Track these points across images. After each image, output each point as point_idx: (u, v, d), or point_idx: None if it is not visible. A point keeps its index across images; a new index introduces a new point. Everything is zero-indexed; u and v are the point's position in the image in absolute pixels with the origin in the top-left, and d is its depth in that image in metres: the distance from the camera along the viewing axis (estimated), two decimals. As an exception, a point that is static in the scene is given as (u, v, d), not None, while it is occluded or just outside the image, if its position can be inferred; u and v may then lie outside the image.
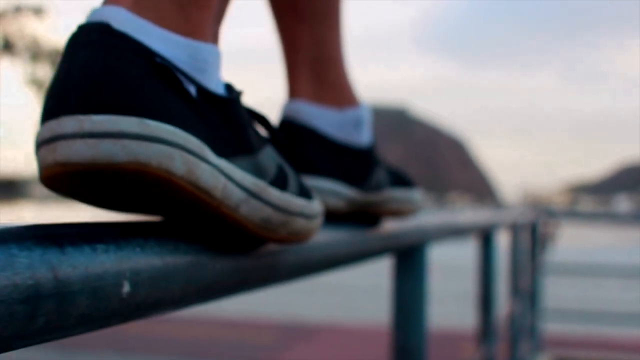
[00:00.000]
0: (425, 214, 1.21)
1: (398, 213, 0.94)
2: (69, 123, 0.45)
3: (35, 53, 11.19)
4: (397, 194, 0.93)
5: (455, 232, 1.42)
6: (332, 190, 0.83)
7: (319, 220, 0.63)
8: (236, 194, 0.53)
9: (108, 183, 0.47)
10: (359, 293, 11.62)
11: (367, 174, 0.88)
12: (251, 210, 0.54)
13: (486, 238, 2.22)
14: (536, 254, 4.54)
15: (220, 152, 0.53)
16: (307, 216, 0.60)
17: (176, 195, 0.48)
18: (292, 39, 0.89)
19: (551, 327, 5.82)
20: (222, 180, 0.51)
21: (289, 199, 0.58)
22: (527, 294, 3.85)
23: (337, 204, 0.83)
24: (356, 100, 0.90)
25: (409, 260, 1.13)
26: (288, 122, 0.85)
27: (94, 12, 0.50)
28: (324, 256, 0.68)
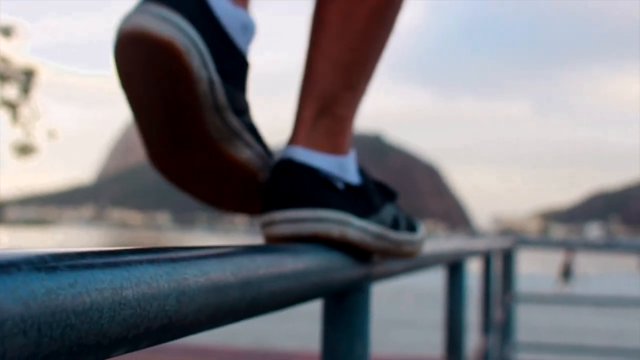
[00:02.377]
0: None
1: (408, 255, 1.01)
2: (279, 215, 0.86)
3: (4, 74, 11.04)
4: (403, 236, 0.99)
5: (411, 267, 1.23)
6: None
7: (420, 245, 1.02)
8: (369, 240, 0.91)
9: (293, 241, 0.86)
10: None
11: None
12: (378, 245, 0.93)
13: (455, 268, 2.11)
14: (510, 283, 4.44)
15: (360, 215, 0.90)
16: (411, 243, 0.99)
17: (338, 243, 0.88)
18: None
19: (524, 358, 5.73)
20: (362, 234, 0.90)
21: (400, 235, 0.97)
22: (500, 324, 3.75)
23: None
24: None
25: (346, 304, 0.93)
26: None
27: (285, 149, 0.91)
28: (242, 298, 0.55)
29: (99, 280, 0.34)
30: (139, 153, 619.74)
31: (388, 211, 0.96)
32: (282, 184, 0.87)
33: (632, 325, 13.15)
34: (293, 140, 0.92)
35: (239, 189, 0.92)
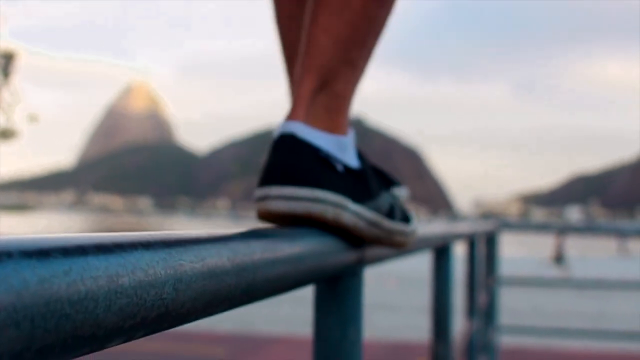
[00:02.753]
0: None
1: (400, 245, 1.02)
2: (274, 190, 0.86)
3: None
4: (397, 227, 1.01)
5: (400, 252, 1.20)
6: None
7: (411, 236, 1.02)
8: (362, 225, 0.91)
9: (293, 221, 0.87)
10: (309, 304, 11.50)
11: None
12: (370, 232, 0.92)
13: (442, 252, 2.10)
14: (493, 266, 4.46)
15: (356, 200, 0.90)
16: (404, 234, 0.99)
17: (329, 226, 0.87)
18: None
19: (506, 340, 5.77)
20: (355, 219, 0.90)
21: (394, 225, 0.97)
22: (484, 307, 3.76)
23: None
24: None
25: (339, 289, 0.90)
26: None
27: (284, 124, 0.90)
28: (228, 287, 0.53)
29: (94, 268, 0.32)
30: (119, 138, 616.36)
31: (385, 199, 0.97)
32: (281, 160, 0.87)
33: (613, 307, 13.27)
34: (292, 115, 0.91)
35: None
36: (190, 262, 0.42)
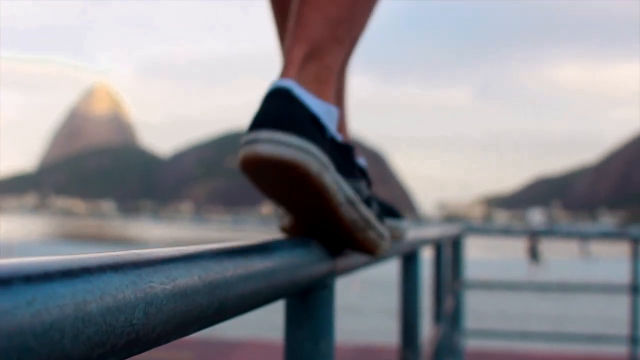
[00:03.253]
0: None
1: (369, 248, 1.00)
2: (265, 134, 0.84)
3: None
4: (389, 222, 1.19)
5: (372, 260, 1.18)
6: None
7: (387, 243, 1.00)
8: (341, 196, 0.88)
9: (274, 171, 0.84)
10: (278, 308, 11.46)
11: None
12: (347, 211, 0.89)
13: (410, 258, 2.10)
14: (459, 270, 4.47)
15: (338, 170, 0.90)
16: (379, 234, 0.98)
17: (309, 186, 0.85)
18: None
19: (471, 344, 5.80)
20: (336, 185, 0.87)
21: (370, 216, 0.95)
22: (450, 311, 3.77)
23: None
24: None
25: (310, 301, 0.87)
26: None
27: (279, 81, 0.91)
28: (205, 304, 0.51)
29: (60, 296, 0.30)
30: (81, 140, 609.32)
31: (364, 187, 0.98)
32: (275, 108, 0.86)
33: (575, 310, 13.42)
34: (284, 75, 0.93)
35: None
36: (160, 283, 0.40)
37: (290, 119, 0.85)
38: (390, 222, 1.19)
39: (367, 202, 0.98)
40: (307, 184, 0.85)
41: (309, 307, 0.87)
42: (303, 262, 0.76)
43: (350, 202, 0.90)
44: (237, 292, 0.52)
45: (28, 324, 0.28)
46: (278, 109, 0.86)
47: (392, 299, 14.11)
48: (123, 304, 0.35)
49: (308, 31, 0.95)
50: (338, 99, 1.16)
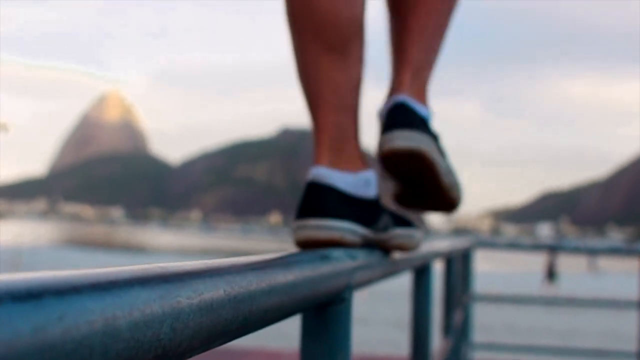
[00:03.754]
0: (349, 253, 0.97)
1: (402, 247, 1.32)
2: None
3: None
4: (399, 232, 1.30)
5: (387, 273, 1.20)
6: (350, 229, 1.14)
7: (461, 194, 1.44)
8: (444, 170, 1.33)
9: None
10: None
11: (376, 218, 1.23)
12: (447, 179, 1.32)
13: (421, 271, 2.09)
14: (468, 283, 4.45)
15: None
16: (458, 188, 1.43)
17: (427, 166, 1.26)
18: (319, 124, 1.22)
19: (479, 357, 5.77)
20: (442, 163, 1.34)
21: (452, 176, 1.41)
22: (459, 325, 3.75)
23: (354, 239, 1.15)
24: (366, 165, 1.24)
25: (327, 315, 0.87)
26: (315, 183, 1.17)
27: (397, 97, 1.30)
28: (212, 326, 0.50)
29: (89, 310, 0.29)
30: (92, 147, 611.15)
31: (447, 159, 1.37)
32: (399, 115, 1.29)
33: (583, 324, 13.35)
34: (399, 89, 1.35)
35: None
36: (187, 297, 0.39)
37: (410, 121, 1.26)
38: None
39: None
40: (426, 164, 1.25)
41: (325, 320, 0.86)
42: (323, 276, 0.75)
43: (449, 172, 1.34)
44: (260, 306, 0.52)
45: (59, 340, 0.27)
46: (401, 116, 1.27)
47: (398, 310, 14.07)
48: (151, 318, 0.35)
49: (410, 60, 1.37)
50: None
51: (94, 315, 0.30)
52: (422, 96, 1.36)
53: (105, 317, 0.31)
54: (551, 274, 24.06)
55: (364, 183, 1.21)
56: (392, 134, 1.24)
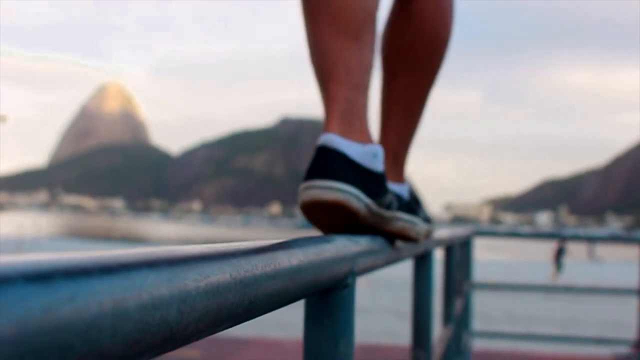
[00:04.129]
0: (352, 239, 0.98)
1: (403, 233, 1.35)
2: (317, 182, 1.16)
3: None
4: (403, 215, 1.35)
5: (389, 260, 1.21)
6: (355, 195, 1.18)
7: (420, 229, 1.41)
8: (363, 210, 1.20)
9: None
10: (288, 306, 11.45)
11: (382, 192, 1.27)
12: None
13: (422, 259, 2.09)
14: (468, 272, 4.46)
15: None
16: (409, 222, 1.36)
17: (344, 213, 1.18)
18: (331, 95, 1.27)
19: (478, 344, 5.79)
20: (362, 206, 1.19)
21: (398, 214, 1.33)
22: (460, 313, 3.75)
23: (359, 206, 1.19)
24: (372, 140, 1.29)
25: (331, 301, 0.87)
26: (325, 147, 1.21)
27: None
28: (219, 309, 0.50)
29: (99, 292, 0.30)
30: (92, 138, 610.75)
31: (394, 199, 1.33)
32: (330, 167, 1.21)
33: (582, 312, 13.38)
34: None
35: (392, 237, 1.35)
36: (194, 280, 0.39)
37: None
38: (408, 217, 1.37)
39: (406, 206, 1.38)
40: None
41: (329, 306, 0.86)
42: (326, 261, 0.75)
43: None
44: (265, 290, 0.52)
45: (70, 320, 0.27)
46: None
47: (398, 299, 14.09)
48: (158, 301, 0.35)
49: (390, 149, 1.57)
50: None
51: (103, 297, 0.30)
52: (400, 176, 1.57)
53: (115, 298, 0.31)
54: (559, 264, 24.02)
55: (372, 155, 1.25)
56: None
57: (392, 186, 1.42)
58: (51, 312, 0.26)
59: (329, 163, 1.18)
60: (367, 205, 1.20)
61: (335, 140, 1.21)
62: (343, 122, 1.24)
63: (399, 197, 1.36)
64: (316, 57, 1.33)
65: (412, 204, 1.45)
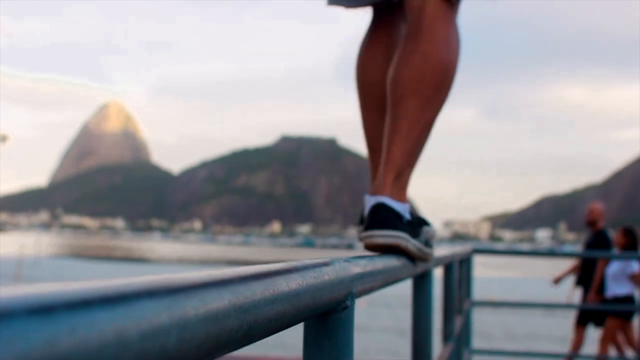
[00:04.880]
0: (351, 262, 0.97)
1: (426, 260, 1.81)
2: (379, 232, 1.64)
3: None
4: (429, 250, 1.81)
5: (388, 281, 1.21)
6: (407, 238, 1.64)
7: (430, 254, 1.82)
8: (415, 250, 1.69)
9: (386, 249, 1.65)
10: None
11: (418, 233, 1.72)
12: (417, 254, 1.71)
13: (422, 278, 2.09)
14: (468, 289, 4.45)
15: (412, 236, 1.68)
16: (428, 254, 1.79)
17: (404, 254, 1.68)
18: (388, 168, 1.73)
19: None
20: (414, 247, 1.68)
21: (427, 250, 1.77)
22: (459, 331, 3.74)
23: (409, 246, 1.65)
24: (407, 200, 1.74)
25: (330, 323, 0.88)
26: (381, 204, 1.67)
27: (378, 197, 1.69)
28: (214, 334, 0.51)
29: (99, 323, 0.30)
30: (92, 158, 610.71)
31: (423, 236, 1.76)
32: (379, 216, 1.65)
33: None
34: (381, 191, 1.71)
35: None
36: (193, 308, 0.40)
37: (387, 221, 1.64)
38: (428, 249, 1.81)
39: (427, 241, 1.78)
40: (400, 251, 1.64)
41: (328, 328, 0.87)
42: (325, 284, 0.75)
43: (420, 250, 1.71)
44: (264, 315, 0.52)
45: (71, 352, 0.28)
46: (381, 216, 1.65)
47: (396, 317, 14.03)
48: (158, 329, 0.35)
49: (394, 163, 1.74)
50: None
51: (103, 327, 0.31)
52: (402, 194, 1.75)
53: (115, 329, 0.31)
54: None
55: (407, 211, 1.72)
56: (372, 232, 1.64)
57: (393, 204, 1.68)
58: (53, 346, 0.27)
59: (387, 218, 1.64)
60: (414, 244, 1.67)
61: (390, 202, 1.67)
62: (393, 188, 1.71)
63: (400, 216, 1.67)
64: (367, 130, 2.02)
65: (415, 224, 1.73)
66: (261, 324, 0.52)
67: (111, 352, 0.31)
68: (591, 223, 7.81)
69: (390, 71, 1.81)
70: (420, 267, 1.90)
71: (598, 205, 7.99)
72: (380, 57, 2.00)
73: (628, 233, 7.42)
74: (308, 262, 0.78)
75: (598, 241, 7.67)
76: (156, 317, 0.35)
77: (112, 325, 0.31)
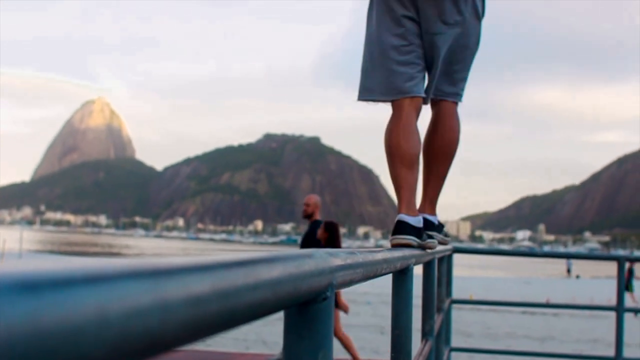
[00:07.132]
0: (331, 254, 0.99)
1: (428, 247, 2.91)
2: (400, 236, 2.81)
3: None
4: (431, 234, 2.99)
5: (368, 275, 1.22)
6: (414, 240, 2.76)
7: (433, 245, 3.04)
8: (416, 245, 2.87)
9: (403, 245, 2.78)
10: (259, 323, 11.42)
11: (422, 236, 2.85)
12: (418, 245, 2.87)
13: (402, 274, 2.10)
14: (449, 288, 4.47)
15: (418, 238, 2.85)
16: (430, 245, 2.99)
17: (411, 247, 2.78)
18: (402, 195, 2.88)
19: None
20: (417, 244, 2.86)
21: (428, 241, 3.00)
22: (439, 329, 3.77)
23: (415, 244, 2.75)
24: (418, 214, 2.89)
25: (310, 313, 0.89)
26: (401, 220, 2.77)
27: (401, 215, 2.87)
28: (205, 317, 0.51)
29: (83, 300, 0.31)
30: (76, 154, 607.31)
31: (425, 236, 2.86)
32: (398, 226, 2.76)
33: (560, 328, 13.43)
34: (422, 211, 3.03)
35: None
36: (175, 290, 0.41)
37: (402, 229, 2.78)
38: (430, 241, 2.97)
39: (436, 228, 3.05)
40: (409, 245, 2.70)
41: (308, 318, 0.88)
42: (306, 274, 0.76)
43: (418, 244, 2.76)
44: (245, 301, 0.53)
45: (53, 328, 0.29)
46: (399, 226, 2.77)
47: (375, 314, 14.08)
48: (141, 310, 0.36)
49: (431, 197, 3.15)
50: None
51: (87, 306, 0.31)
52: (433, 210, 3.13)
53: (98, 308, 0.32)
54: (630, 284, 23.33)
55: (418, 221, 2.80)
56: (394, 236, 2.75)
57: (429, 217, 3.04)
58: (35, 322, 0.28)
59: (404, 228, 2.73)
60: (418, 242, 2.74)
61: (405, 217, 2.76)
62: (407, 208, 2.81)
63: (432, 222, 3.00)
64: (394, 178, 2.89)
65: (439, 226, 3.10)
66: (242, 310, 0.53)
67: (94, 330, 0.32)
68: (308, 215, 8.01)
69: (424, 145, 3.03)
70: (399, 263, 1.92)
71: (314, 197, 8.26)
72: (416, 138, 2.92)
73: (328, 227, 7.61)
74: (290, 252, 0.80)
75: (312, 231, 7.95)
76: (139, 298, 0.36)
77: (94, 305, 0.32)
